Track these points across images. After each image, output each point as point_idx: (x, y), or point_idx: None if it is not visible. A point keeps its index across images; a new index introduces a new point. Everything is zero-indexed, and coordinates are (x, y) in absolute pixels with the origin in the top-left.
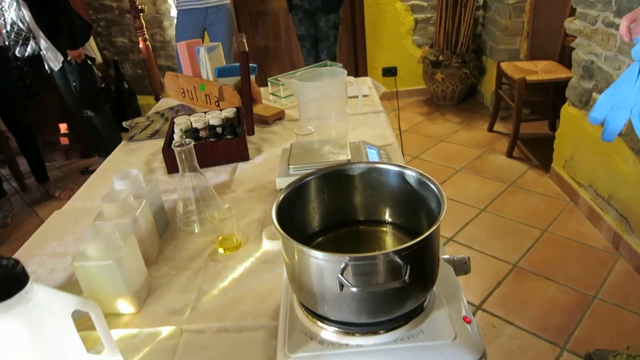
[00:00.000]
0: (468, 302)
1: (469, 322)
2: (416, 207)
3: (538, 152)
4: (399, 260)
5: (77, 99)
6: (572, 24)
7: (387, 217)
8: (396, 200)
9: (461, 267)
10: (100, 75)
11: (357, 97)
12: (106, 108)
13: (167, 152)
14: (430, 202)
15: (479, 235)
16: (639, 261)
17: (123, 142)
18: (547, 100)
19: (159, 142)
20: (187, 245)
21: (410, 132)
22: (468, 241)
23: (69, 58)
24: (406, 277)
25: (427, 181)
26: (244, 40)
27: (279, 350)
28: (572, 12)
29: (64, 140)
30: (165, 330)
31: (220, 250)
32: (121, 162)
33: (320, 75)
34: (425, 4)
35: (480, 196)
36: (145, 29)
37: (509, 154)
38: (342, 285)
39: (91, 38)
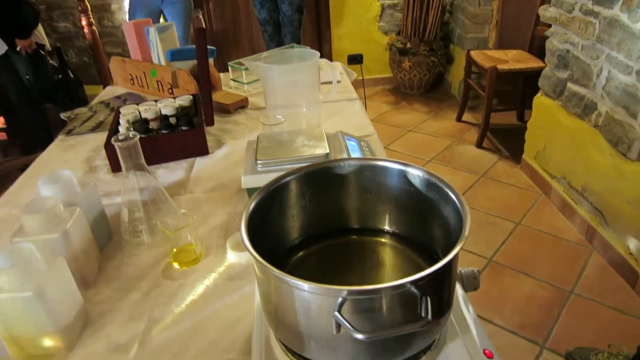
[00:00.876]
0: None
1: (491, 358)
2: (423, 214)
3: (507, 142)
4: (416, 291)
5: (32, 93)
6: (547, 12)
7: (386, 225)
8: (397, 204)
9: (470, 282)
10: (56, 65)
11: (330, 82)
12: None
13: (111, 148)
14: (442, 208)
15: None
16: (614, 255)
17: (60, 137)
18: (516, 90)
19: (103, 136)
20: (134, 261)
21: (378, 122)
22: None
23: (18, 48)
24: (428, 315)
25: (439, 182)
26: (200, 16)
27: None
28: (543, 0)
29: (1, 136)
30: None
31: (176, 265)
32: (57, 160)
33: (288, 58)
34: None
35: None
36: (90, 13)
37: (479, 145)
38: (339, 326)
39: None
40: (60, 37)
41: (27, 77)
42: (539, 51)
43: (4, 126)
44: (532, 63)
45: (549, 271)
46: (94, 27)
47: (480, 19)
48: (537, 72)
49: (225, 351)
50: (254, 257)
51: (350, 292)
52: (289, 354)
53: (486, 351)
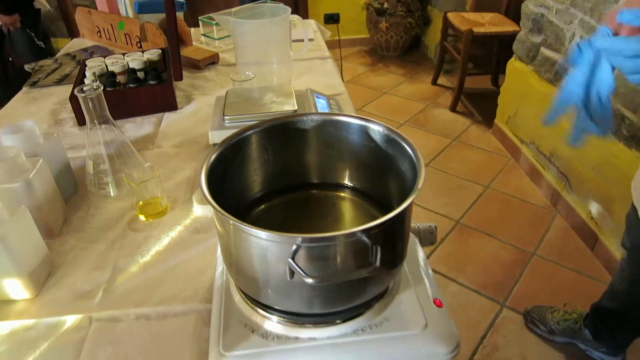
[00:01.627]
0: None
1: (440, 306)
2: (382, 169)
3: (481, 107)
4: (366, 239)
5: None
6: None
7: (347, 180)
8: (358, 160)
9: (427, 237)
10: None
11: (302, 40)
12: None
13: (76, 100)
14: (401, 163)
15: (423, 191)
16: (575, 219)
17: (24, 89)
18: (491, 54)
19: (69, 89)
20: (99, 212)
21: (353, 83)
22: None
23: None
24: (377, 262)
25: (398, 138)
26: None
27: (212, 346)
28: None
29: None
30: (70, 320)
31: (141, 217)
32: (21, 113)
33: (260, 14)
34: None
35: (424, 151)
36: None
37: (453, 109)
38: (292, 273)
39: None
40: None
41: (10, 60)
42: (515, 14)
43: None
44: (508, 27)
45: (514, 234)
46: None
47: None
48: (512, 36)
49: (188, 299)
50: (213, 206)
51: (304, 240)
52: (248, 302)
53: (436, 300)
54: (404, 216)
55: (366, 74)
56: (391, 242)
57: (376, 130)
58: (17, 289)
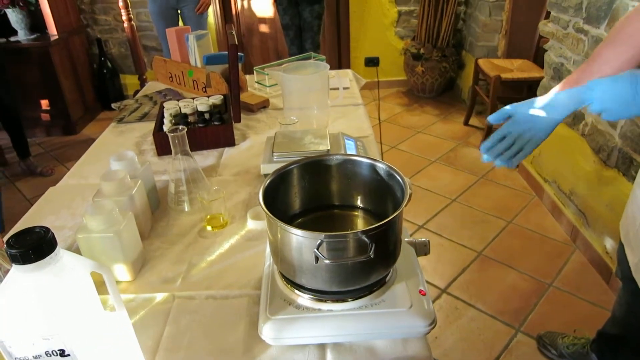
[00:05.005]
0: (434, 286)
1: (423, 295)
2: (384, 195)
3: None
4: (365, 239)
5: None
6: (546, 27)
7: (359, 202)
8: (367, 188)
9: (421, 248)
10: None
11: (337, 89)
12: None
13: (158, 136)
14: (397, 191)
15: (449, 223)
16: (593, 253)
17: (113, 124)
18: (521, 97)
19: (148, 125)
20: (177, 223)
21: (390, 122)
22: (438, 229)
23: None
24: (371, 253)
25: (395, 173)
26: (233, 33)
27: (261, 313)
28: (548, 14)
29: (45, 117)
30: (159, 296)
31: (209, 227)
32: (112, 144)
33: (304, 67)
34: None
35: (452, 187)
36: (130, 9)
37: None
38: (317, 258)
39: None
40: (101, 29)
41: None
42: (542, 62)
43: (49, 108)
44: (534, 73)
45: (533, 266)
46: (133, 23)
47: (490, 28)
48: (539, 82)
49: (243, 286)
50: (268, 215)
51: (325, 236)
52: (287, 284)
53: (421, 290)
54: (391, 224)
55: (402, 114)
56: (383, 241)
57: (381, 167)
58: (122, 272)
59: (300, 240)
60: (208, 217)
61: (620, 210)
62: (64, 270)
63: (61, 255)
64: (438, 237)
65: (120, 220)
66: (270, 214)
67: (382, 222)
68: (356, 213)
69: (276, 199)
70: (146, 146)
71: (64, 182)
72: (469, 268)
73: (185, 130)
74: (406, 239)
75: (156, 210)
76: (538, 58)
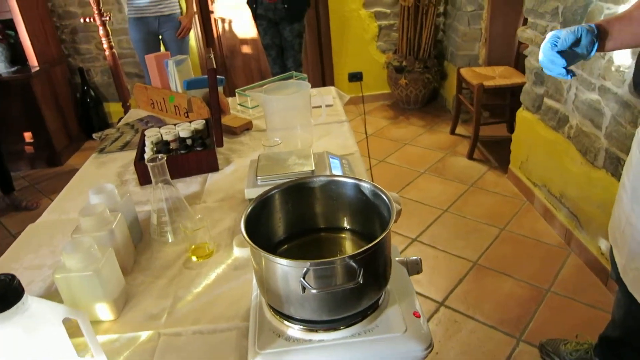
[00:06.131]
0: (432, 299)
1: (418, 317)
2: (371, 215)
3: (497, 153)
4: (353, 264)
5: None
6: (524, 33)
7: (346, 224)
8: (353, 209)
9: (414, 267)
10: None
11: (320, 107)
12: None
13: (139, 165)
14: (383, 210)
15: (442, 235)
16: (588, 255)
17: (94, 155)
18: (505, 103)
19: (130, 154)
20: (161, 255)
21: (376, 136)
22: (431, 241)
23: None
24: (360, 278)
25: (380, 192)
26: (212, 57)
27: (250, 347)
28: (525, 20)
29: (29, 149)
30: (144, 335)
31: (193, 258)
32: (93, 175)
33: (285, 87)
34: (388, 10)
35: (442, 197)
36: (111, 37)
37: (470, 156)
38: (304, 288)
39: None
40: (83, 58)
41: None
42: (523, 67)
43: (32, 140)
44: (517, 79)
45: (529, 272)
46: (114, 51)
47: (470, 37)
48: (521, 87)
49: (231, 319)
50: (251, 246)
51: (311, 264)
52: (276, 315)
53: (415, 313)
54: (380, 246)
55: (388, 127)
56: (372, 265)
57: (365, 187)
58: (104, 311)
59: (286, 270)
60: (193, 247)
61: (611, 211)
62: (32, 319)
63: (29, 304)
64: (432, 249)
65: (99, 257)
66: (252, 244)
67: (370, 245)
68: (343, 235)
69: (259, 226)
70: (128, 176)
71: (44, 217)
72: (465, 279)
73: (165, 158)
74: (397, 259)
75: (139, 242)
76: (519, 64)
